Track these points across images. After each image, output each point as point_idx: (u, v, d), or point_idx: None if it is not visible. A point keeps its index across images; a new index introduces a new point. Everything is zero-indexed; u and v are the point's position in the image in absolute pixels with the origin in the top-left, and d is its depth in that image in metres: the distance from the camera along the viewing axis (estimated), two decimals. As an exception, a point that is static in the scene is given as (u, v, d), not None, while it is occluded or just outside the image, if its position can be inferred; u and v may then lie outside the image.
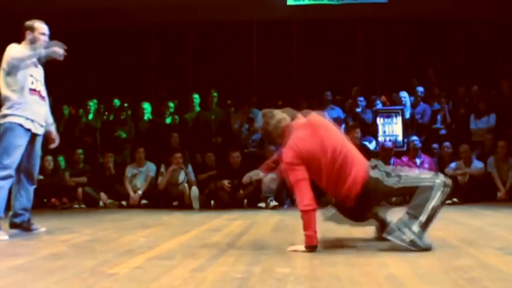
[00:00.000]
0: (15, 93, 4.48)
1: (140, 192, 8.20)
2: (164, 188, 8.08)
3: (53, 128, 4.92)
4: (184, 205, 7.79)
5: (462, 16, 11.14)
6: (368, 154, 7.84)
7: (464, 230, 4.21)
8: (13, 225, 4.59)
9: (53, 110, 10.13)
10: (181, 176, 8.11)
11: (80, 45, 11.90)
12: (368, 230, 4.47)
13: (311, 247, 3.19)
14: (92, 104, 9.98)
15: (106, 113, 10.10)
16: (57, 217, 6.40)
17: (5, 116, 4.42)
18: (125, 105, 10.07)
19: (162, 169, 8.21)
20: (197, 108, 9.78)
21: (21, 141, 4.42)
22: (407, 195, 3.52)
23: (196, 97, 9.80)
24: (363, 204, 3.39)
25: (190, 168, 8.22)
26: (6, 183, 4.37)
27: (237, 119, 9.48)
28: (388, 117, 9.09)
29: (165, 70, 11.87)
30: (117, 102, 10.21)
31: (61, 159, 8.81)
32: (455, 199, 7.38)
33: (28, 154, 4.57)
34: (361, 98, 9.76)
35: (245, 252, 3.23)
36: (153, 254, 3.20)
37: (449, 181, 3.29)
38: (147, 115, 9.76)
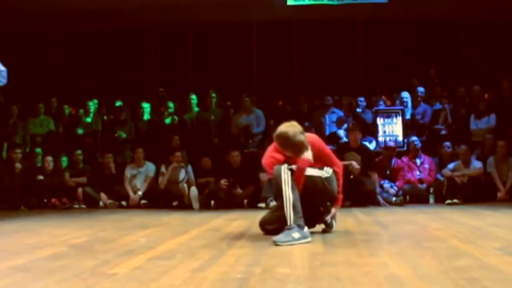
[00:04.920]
0: None
1: (140, 193, 8.20)
2: (164, 187, 8.08)
3: None
4: (184, 205, 7.80)
5: (462, 16, 11.15)
6: (368, 154, 7.90)
7: (464, 230, 4.21)
8: None
9: (50, 110, 10.22)
10: (182, 175, 8.11)
11: (80, 45, 11.94)
12: (368, 230, 4.47)
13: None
14: (92, 105, 9.99)
15: (106, 116, 10.09)
16: (57, 217, 6.40)
17: None
18: (118, 104, 10.06)
19: (163, 169, 8.20)
20: (195, 109, 9.79)
21: None
22: None
23: (194, 98, 9.81)
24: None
25: (190, 168, 8.22)
26: None
27: (239, 118, 9.47)
28: (388, 117, 9.09)
29: (165, 70, 11.87)
30: (118, 103, 10.22)
31: (64, 160, 8.81)
32: (456, 200, 7.38)
33: None
34: (361, 98, 9.78)
35: (245, 252, 3.22)
36: (153, 254, 3.20)
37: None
38: (146, 115, 9.77)
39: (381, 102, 9.79)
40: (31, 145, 9.66)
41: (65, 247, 3.57)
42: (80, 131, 9.59)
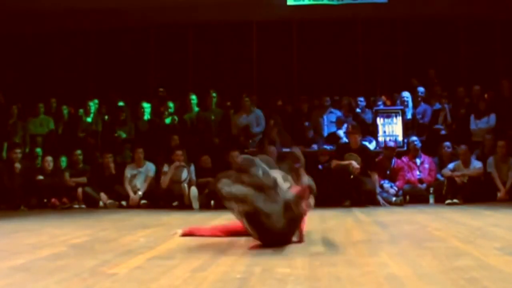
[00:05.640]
0: None
1: (140, 193, 8.19)
2: (166, 187, 8.06)
3: None
4: (184, 205, 7.79)
5: (462, 16, 11.14)
6: (367, 154, 7.90)
7: (464, 230, 4.21)
8: None
9: (50, 110, 10.21)
10: (184, 174, 8.09)
11: (80, 45, 11.93)
12: (368, 230, 4.47)
13: None
14: (93, 105, 9.98)
15: (107, 116, 10.09)
16: (57, 217, 6.40)
17: None
18: (121, 104, 10.06)
19: (165, 168, 8.17)
20: (195, 109, 9.78)
21: None
22: None
23: (194, 98, 9.80)
24: None
25: (192, 167, 8.21)
26: None
27: (239, 118, 9.46)
28: (388, 117, 9.09)
29: (165, 70, 11.87)
30: (120, 103, 10.22)
31: (63, 160, 8.81)
32: (456, 200, 7.38)
33: None
34: (361, 98, 9.78)
35: (245, 252, 3.22)
36: (153, 254, 3.20)
37: None
38: (147, 116, 9.77)
39: (380, 102, 9.79)
40: (31, 145, 9.66)
41: (65, 247, 3.57)
42: (81, 134, 9.59)
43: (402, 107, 9.21)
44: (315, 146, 8.86)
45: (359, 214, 6.06)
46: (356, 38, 11.63)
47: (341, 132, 9.08)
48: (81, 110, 10.09)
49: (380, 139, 8.98)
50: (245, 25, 11.74)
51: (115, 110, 9.99)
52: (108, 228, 4.97)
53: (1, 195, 8.22)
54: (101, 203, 8.23)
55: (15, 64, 11.60)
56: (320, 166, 8.38)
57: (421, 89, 9.52)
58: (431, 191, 7.97)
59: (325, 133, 9.43)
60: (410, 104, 9.37)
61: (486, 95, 9.32)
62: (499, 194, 7.73)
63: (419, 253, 3.07)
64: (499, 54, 11.15)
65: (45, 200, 8.25)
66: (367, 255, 3.10)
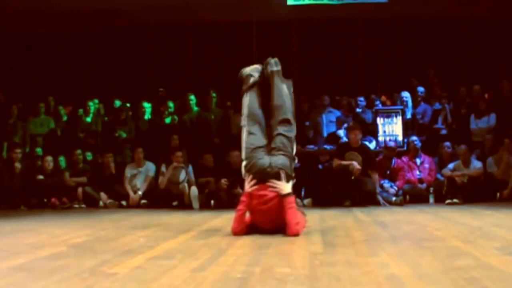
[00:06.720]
0: None
1: (140, 193, 8.20)
2: (165, 187, 8.08)
3: None
4: (184, 205, 7.79)
5: (462, 16, 11.14)
6: (368, 154, 7.90)
7: (464, 230, 4.21)
8: None
9: (50, 110, 10.20)
10: (182, 175, 8.11)
11: (80, 45, 11.93)
12: (368, 230, 4.47)
13: None
14: (92, 104, 9.98)
15: (106, 117, 10.08)
16: (57, 217, 6.40)
17: None
18: (127, 105, 10.08)
19: (163, 168, 8.20)
20: (195, 108, 9.78)
21: None
22: None
23: (192, 98, 9.80)
24: None
25: (190, 168, 8.23)
26: None
27: (238, 119, 9.46)
28: (388, 117, 9.09)
29: (165, 70, 11.87)
30: (117, 102, 10.21)
31: (61, 159, 8.81)
32: (456, 200, 7.37)
33: None
34: (361, 98, 9.77)
35: (245, 252, 3.22)
36: (153, 254, 3.20)
37: None
38: (147, 115, 9.77)
39: (377, 102, 9.78)
40: (31, 145, 9.66)
41: (65, 247, 3.57)
42: (81, 135, 9.58)
43: (402, 107, 9.21)
44: (311, 146, 8.84)
45: (359, 214, 6.05)
46: (356, 38, 11.63)
47: (341, 132, 9.07)
48: (80, 110, 10.09)
49: (380, 139, 8.98)
50: (245, 25, 11.74)
51: (115, 110, 9.99)
52: (108, 228, 4.97)
53: (1, 195, 8.22)
54: (101, 203, 8.23)
55: (15, 64, 11.60)
56: (320, 166, 8.38)
57: (421, 89, 9.52)
58: (431, 191, 7.97)
59: (325, 133, 9.41)
60: (410, 104, 9.37)
61: (486, 95, 9.33)
62: (498, 195, 7.73)
63: (419, 253, 3.07)
64: (499, 54, 11.15)
65: (45, 200, 8.25)
66: (367, 255, 3.09)
